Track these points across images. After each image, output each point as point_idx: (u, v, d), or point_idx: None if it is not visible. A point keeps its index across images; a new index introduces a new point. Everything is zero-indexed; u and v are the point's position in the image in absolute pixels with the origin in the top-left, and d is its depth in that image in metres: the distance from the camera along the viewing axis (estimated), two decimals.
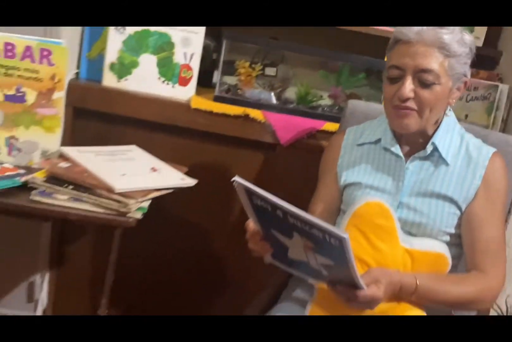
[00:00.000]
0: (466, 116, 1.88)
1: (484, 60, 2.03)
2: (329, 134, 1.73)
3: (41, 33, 1.57)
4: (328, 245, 1.02)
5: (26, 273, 1.89)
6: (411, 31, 1.21)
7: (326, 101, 1.95)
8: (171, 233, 1.84)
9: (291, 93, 1.95)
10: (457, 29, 1.24)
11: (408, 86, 1.21)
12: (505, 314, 1.76)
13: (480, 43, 2.01)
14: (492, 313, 1.79)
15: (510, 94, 1.83)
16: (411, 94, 1.22)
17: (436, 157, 1.31)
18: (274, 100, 1.88)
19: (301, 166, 1.74)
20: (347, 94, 1.93)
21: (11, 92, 1.41)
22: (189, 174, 1.54)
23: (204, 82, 1.93)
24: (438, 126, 1.31)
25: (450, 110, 1.34)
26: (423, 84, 1.22)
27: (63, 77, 1.45)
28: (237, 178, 1.05)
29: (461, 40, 1.23)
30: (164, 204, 1.47)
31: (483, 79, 1.96)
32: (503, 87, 1.82)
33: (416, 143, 1.32)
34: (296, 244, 1.09)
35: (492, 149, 1.33)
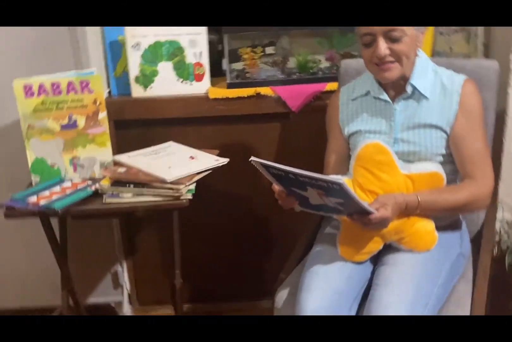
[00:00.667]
0: (451, 49, 2.06)
1: None
2: (332, 93, 1.97)
3: (73, 67, 1.90)
4: (333, 190, 1.30)
5: (108, 264, 2.22)
6: None
7: (324, 64, 2.18)
8: (219, 206, 2.15)
9: (292, 64, 2.18)
10: None
11: (382, 46, 1.43)
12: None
13: None
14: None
15: None
16: (387, 51, 1.44)
17: (417, 95, 1.54)
18: (279, 75, 2.14)
19: (315, 127, 1.91)
20: (342, 54, 2.15)
21: (65, 122, 1.73)
22: (221, 154, 1.82)
23: (217, 72, 2.19)
24: (412, 71, 1.53)
25: (419, 50, 1.55)
26: (393, 40, 1.43)
27: (102, 100, 1.75)
28: (253, 158, 1.33)
29: None
30: (209, 182, 1.75)
31: None
32: None
33: (399, 86, 1.55)
34: (312, 194, 1.37)
35: (463, 77, 1.54)
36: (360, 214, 1.37)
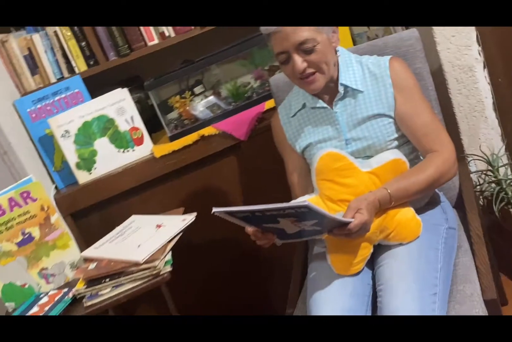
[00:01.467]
0: (369, 27, 2.00)
1: None
2: (273, 110, 1.90)
3: (12, 180, 1.82)
4: (303, 213, 1.24)
5: None
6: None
7: (256, 84, 2.12)
8: (206, 252, 2.06)
9: (225, 94, 2.12)
10: None
11: (298, 60, 1.40)
12: (485, 160, 1.88)
13: None
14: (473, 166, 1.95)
15: None
16: (304, 64, 1.41)
17: (351, 92, 1.49)
18: (216, 111, 2.06)
19: (268, 147, 1.80)
20: (268, 68, 2.09)
21: (19, 238, 1.64)
22: (188, 207, 1.75)
23: (157, 127, 2.14)
24: (338, 69, 1.48)
25: (337, 49, 1.51)
26: (307, 52, 1.40)
27: (50, 204, 1.68)
28: (214, 209, 1.27)
29: None
30: (190, 236, 1.66)
31: None
32: None
33: (331, 89, 1.50)
34: (286, 224, 1.30)
35: (387, 58, 1.49)
36: (339, 227, 1.31)
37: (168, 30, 2.10)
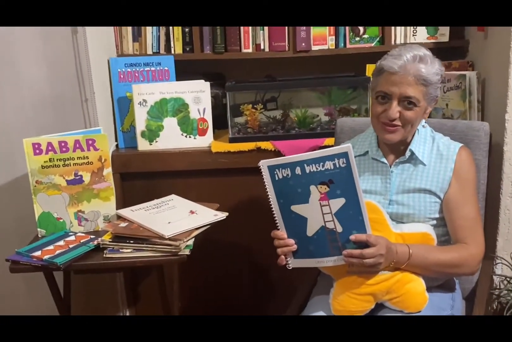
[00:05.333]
0: (447, 105, 2.13)
1: (454, 51, 2.30)
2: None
3: (82, 125, 1.99)
4: (339, 174, 1.36)
5: (111, 313, 2.24)
6: (396, 64, 1.48)
7: (323, 118, 2.27)
8: (219, 256, 2.20)
9: (292, 119, 2.27)
10: (432, 61, 1.51)
11: (395, 109, 1.51)
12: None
13: (446, 38, 2.26)
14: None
15: (480, 78, 2.07)
16: (397, 115, 1.51)
17: (414, 160, 1.59)
18: (279, 130, 2.22)
19: None
20: (339, 109, 2.24)
21: (71, 177, 1.81)
22: (221, 205, 1.88)
23: (222, 125, 2.28)
24: (413, 135, 1.59)
25: (425, 122, 1.63)
26: (406, 107, 1.51)
27: (107, 157, 1.83)
28: (261, 161, 1.41)
29: (435, 70, 1.51)
30: (210, 233, 1.78)
31: (456, 69, 2.21)
32: (471, 75, 2.04)
33: (397, 151, 1.61)
34: (313, 206, 1.40)
35: (459, 145, 1.60)
36: (355, 250, 1.39)
37: (264, 44, 2.27)
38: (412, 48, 1.52)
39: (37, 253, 1.65)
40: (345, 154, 1.35)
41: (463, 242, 1.53)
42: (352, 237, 1.41)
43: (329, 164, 1.37)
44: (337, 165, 1.36)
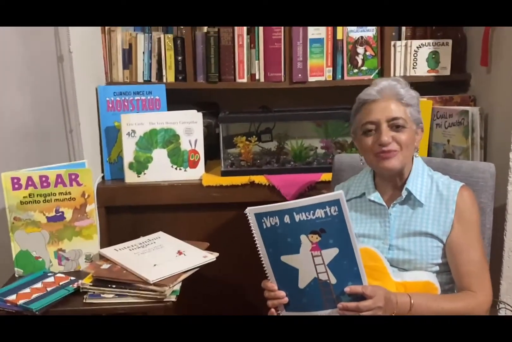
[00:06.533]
0: (448, 141, 2.06)
1: (456, 85, 2.23)
2: (327, 183, 1.97)
3: (66, 158, 1.89)
4: (331, 223, 1.26)
5: None
6: (374, 90, 1.48)
7: (320, 151, 2.19)
8: (210, 294, 2.09)
9: (288, 152, 2.19)
10: (407, 85, 1.51)
11: (387, 133, 1.45)
12: None
13: (447, 72, 2.20)
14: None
15: (482, 114, 1.99)
16: (390, 139, 1.45)
17: (412, 200, 1.50)
18: (274, 163, 2.13)
19: None
20: (335, 142, 2.16)
21: (52, 214, 1.70)
22: (213, 242, 1.79)
23: (214, 155, 2.20)
24: (410, 172, 1.51)
25: (417, 152, 1.54)
26: (396, 129, 1.45)
27: (91, 193, 1.74)
28: (248, 209, 1.32)
29: (413, 93, 1.50)
30: (200, 270, 1.68)
31: (458, 103, 2.14)
32: (473, 111, 1.97)
33: (395, 188, 1.53)
34: (304, 257, 1.30)
35: (459, 184, 1.51)
36: (352, 304, 1.30)
37: (260, 74, 2.19)
38: (385, 78, 1.53)
39: (12, 297, 1.53)
40: (337, 202, 1.26)
41: (469, 290, 1.44)
42: (347, 289, 1.31)
43: (320, 213, 1.27)
44: (329, 214, 1.27)
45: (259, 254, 1.35)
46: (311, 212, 1.28)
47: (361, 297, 1.31)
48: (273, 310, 1.39)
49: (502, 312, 1.93)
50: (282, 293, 1.37)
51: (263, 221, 1.32)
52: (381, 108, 1.46)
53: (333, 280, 1.32)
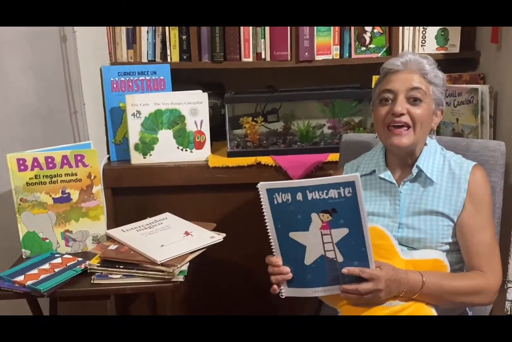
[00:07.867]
0: (457, 119, 2.03)
1: (465, 63, 2.19)
2: (334, 164, 1.95)
3: (71, 139, 1.87)
4: (344, 204, 1.26)
5: None
6: (399, 61, 1.46)
7: (326, 131, 2.16)
8: (216, 276, 2.08)
9: (294, 133, 2.17)
10: (435, 64, 1.48)
11: (402, 103, 1.42)
12: None
13: (456, 49, 2.16)
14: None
15: (492, 92, 1.96)
16: (405, 110, 1.42)
17: (423, 178, 1.48)
18: (280, 144, 2.11)
19: None
20: (343, 122, 2.14)
21: (58, 195, 1.69)
22: (219, 223, 1.78)
23: (220, 136, 2.18)
24: (421, 151, 1.49)
25: (433, 133, 1.52)
26: (413, 101, 1.42)
27: (97, 174, 1.72)
28: (260, 184, 1.31)
29: (439, 74, 1.48)
30: (206, 251, 1.66)
31: (467, 81, 2.11)
32: (483, 89, 1.93)
33: (405, 165, 1.50)
34: (313, 234, 1.31)
35: (472, 163, 1.49)
36: (352, 282, 1.31)
37: (265, 53, 2.16)
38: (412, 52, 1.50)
39: (20, 278, 1.53)
40: (351, 184, 1.25)
41: (479, 270, 1.42)
42: (344, 270, 1.32)
43: (333, 193, 1.27)
44: (342, 195, 1.27)
45: (267, 229, 1.35)
46: (325, 191, 1.28)
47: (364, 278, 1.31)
48: (275, 286, 1.38)
49: (510, 291, 1.92)
50: (287, 269, 1.37)
51: (274, 196, 1.32)
52: (402, 79, 1.44)
53: (340, 259, 1.32)
